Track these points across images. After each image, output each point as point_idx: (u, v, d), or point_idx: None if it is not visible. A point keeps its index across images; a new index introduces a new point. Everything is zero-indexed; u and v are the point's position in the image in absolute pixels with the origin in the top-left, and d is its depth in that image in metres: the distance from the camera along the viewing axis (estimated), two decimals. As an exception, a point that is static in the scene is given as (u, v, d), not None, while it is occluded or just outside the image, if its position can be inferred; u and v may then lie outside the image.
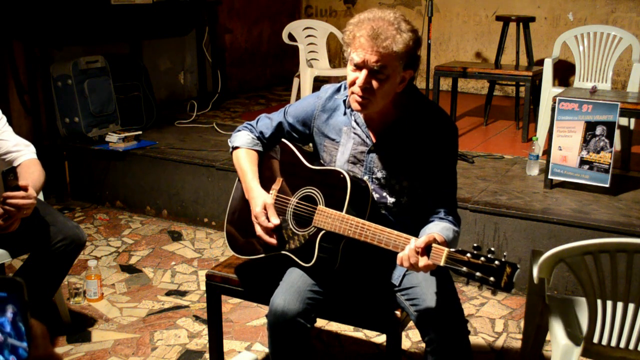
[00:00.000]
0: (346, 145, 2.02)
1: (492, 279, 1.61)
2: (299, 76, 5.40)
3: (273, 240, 1.98)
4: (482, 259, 1.62)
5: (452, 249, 1.67)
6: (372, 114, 1.96)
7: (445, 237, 1.82)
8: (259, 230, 2.00)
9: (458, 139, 2.01)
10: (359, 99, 1.86)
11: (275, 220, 1.98)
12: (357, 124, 2.00)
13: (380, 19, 1.80)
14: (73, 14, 4.61)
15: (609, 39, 4.70)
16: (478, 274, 1.62)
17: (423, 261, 1.69)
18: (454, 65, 4.95)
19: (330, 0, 7.37)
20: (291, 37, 5.58)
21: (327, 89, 2.10)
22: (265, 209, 2.00)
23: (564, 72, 6.02)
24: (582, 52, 4.79)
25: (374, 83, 1.82)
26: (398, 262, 1.74)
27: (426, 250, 1.70)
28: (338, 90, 2.07)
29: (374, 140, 1.99)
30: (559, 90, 3.98)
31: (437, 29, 6.49)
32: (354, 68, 1.85)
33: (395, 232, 1.79)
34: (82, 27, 4.83)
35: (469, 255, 1.64)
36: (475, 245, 1.66)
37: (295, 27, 5.66)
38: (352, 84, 1.86)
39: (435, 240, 1.71)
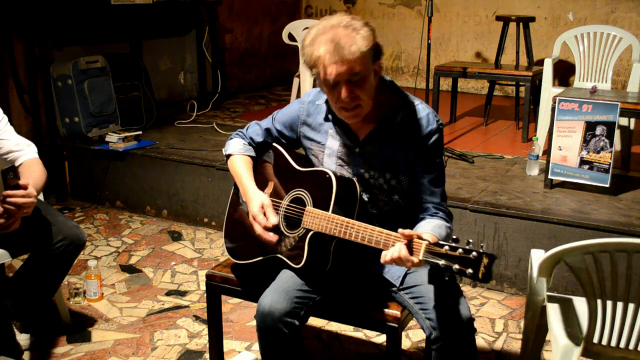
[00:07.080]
0: (332, 148, 2.03)
1: (469, 270, 1.58)
2: (299, 76, 5.39)
3: (272, 239, 1.99)
4: (460, 250, 1.60)
5: (431, 242, 1.65)
6: None
7: (437, 235, 1.81)
8: (258, 229, 2.01)
9: (443, 133, 1.99)
10: (351, 112, 1.86)
11: (273, 219, 1.99)
12: (342, 125, 2.00)
13: (332, 29, 1.79)
14: (73, 13, 4.61)
15: (609, 39, 4.70)
16: (456, 266, 1.59)
17: (404, 255, 1.67)
18: (454, 65, 4.95)
19: (330, 0, 7.37)
20: (291, 37, 5.57)
21: (310, 93, 2.12)
22: (262, 207, 2.01)
23: (564, 72, 6.02)
24: (582, 52, 4.79)
25: (356, 90, 1.81)
26: (382, 259, 1.72)
27: (407, 245, 1.69)
28: (320, 93, 2.07)
29: (359, 141, 1.99)
30: (559, 90, 3.98)
31: (437, 29, 6.48)
32: (330, 88, 1.83)
33: (378, 229, 1.78)
34: (82, 27, 4.84)
35: (446, 247, 1.62)
36: (454, 237, 1.64)
37: (295, 27, 5.65)
38: (336, 101, 1.85)
39: (417, 236, 1.69)
